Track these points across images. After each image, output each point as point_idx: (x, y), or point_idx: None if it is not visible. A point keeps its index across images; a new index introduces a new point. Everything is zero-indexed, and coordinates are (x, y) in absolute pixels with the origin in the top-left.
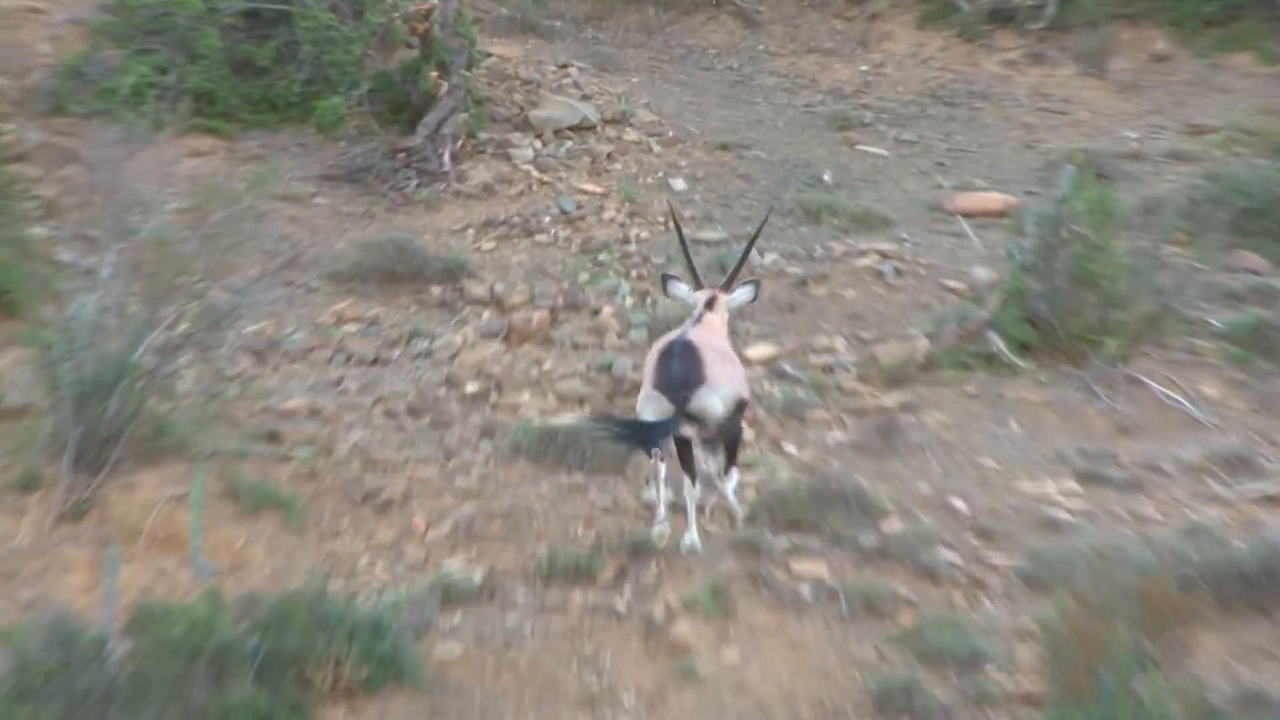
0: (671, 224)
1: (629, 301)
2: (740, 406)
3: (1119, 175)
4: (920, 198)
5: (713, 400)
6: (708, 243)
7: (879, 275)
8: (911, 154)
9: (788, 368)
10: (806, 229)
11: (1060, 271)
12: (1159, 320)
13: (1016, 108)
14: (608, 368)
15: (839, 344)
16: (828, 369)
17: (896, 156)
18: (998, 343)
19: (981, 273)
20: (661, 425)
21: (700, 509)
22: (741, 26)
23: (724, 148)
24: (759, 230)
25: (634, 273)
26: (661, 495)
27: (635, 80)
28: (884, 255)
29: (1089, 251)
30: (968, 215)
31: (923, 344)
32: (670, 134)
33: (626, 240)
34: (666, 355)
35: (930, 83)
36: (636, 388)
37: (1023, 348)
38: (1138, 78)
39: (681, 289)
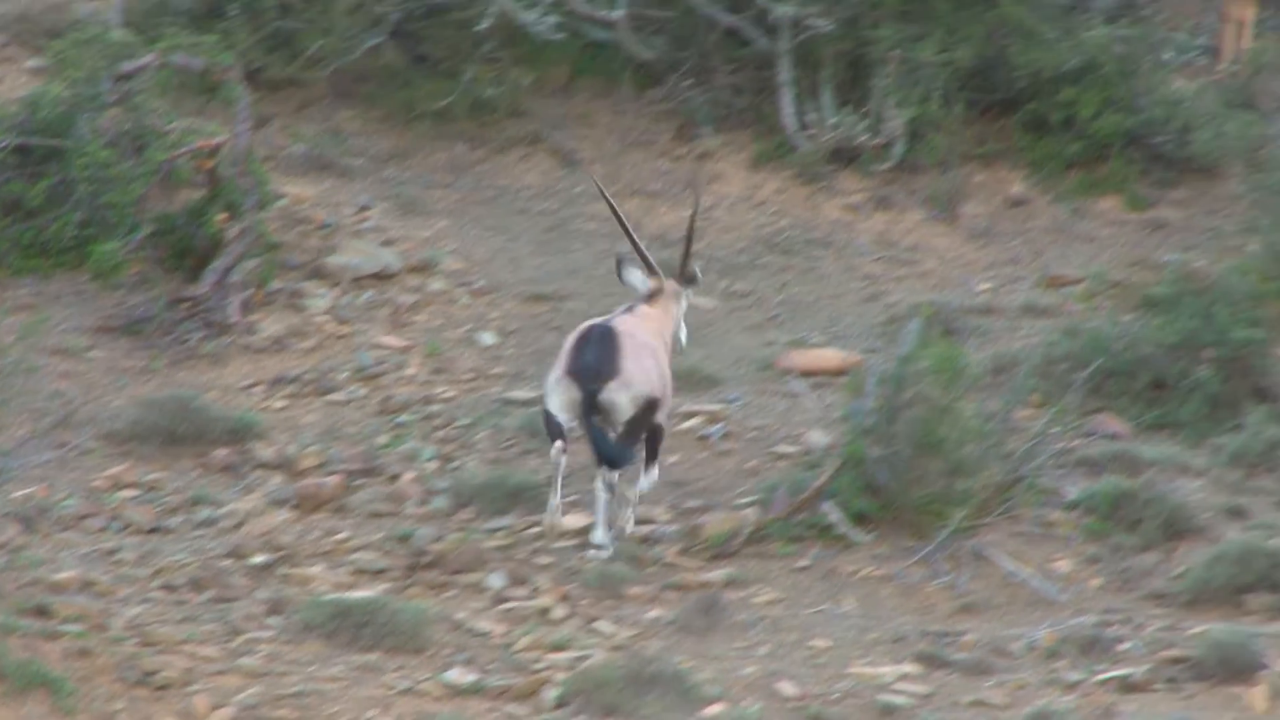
0: (613, 215)
1: (431, 466)
2: (651, 406)
3: (969, 331)
4: (752, 354)
5: (622, 396)
6: (519, 402)
7: (705, 439)
8: (743, 306)
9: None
10: None
11: (903, 436)
12: (1009, 489)
13: (859, 256)
14: (407, 538)
15: (660, 513)
16: (648, 540)
17: (727, 309)
18: (833, 513)
19: (817, 436)
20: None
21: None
22: (559, 166)
23: (538, 298)
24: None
25: (437, 435)
26: (557, 485)
27: (442, 224)
28: (711, 417)
29: (934, 414)
30: (803, 374)
31: (751, 514)
32: (480, 283)
33: (429, 400)
34: (583, 340)
35: (765, 229)
36: (440, 559)
37: (861, 518)
38: (992, 224)
39: (636, 275)
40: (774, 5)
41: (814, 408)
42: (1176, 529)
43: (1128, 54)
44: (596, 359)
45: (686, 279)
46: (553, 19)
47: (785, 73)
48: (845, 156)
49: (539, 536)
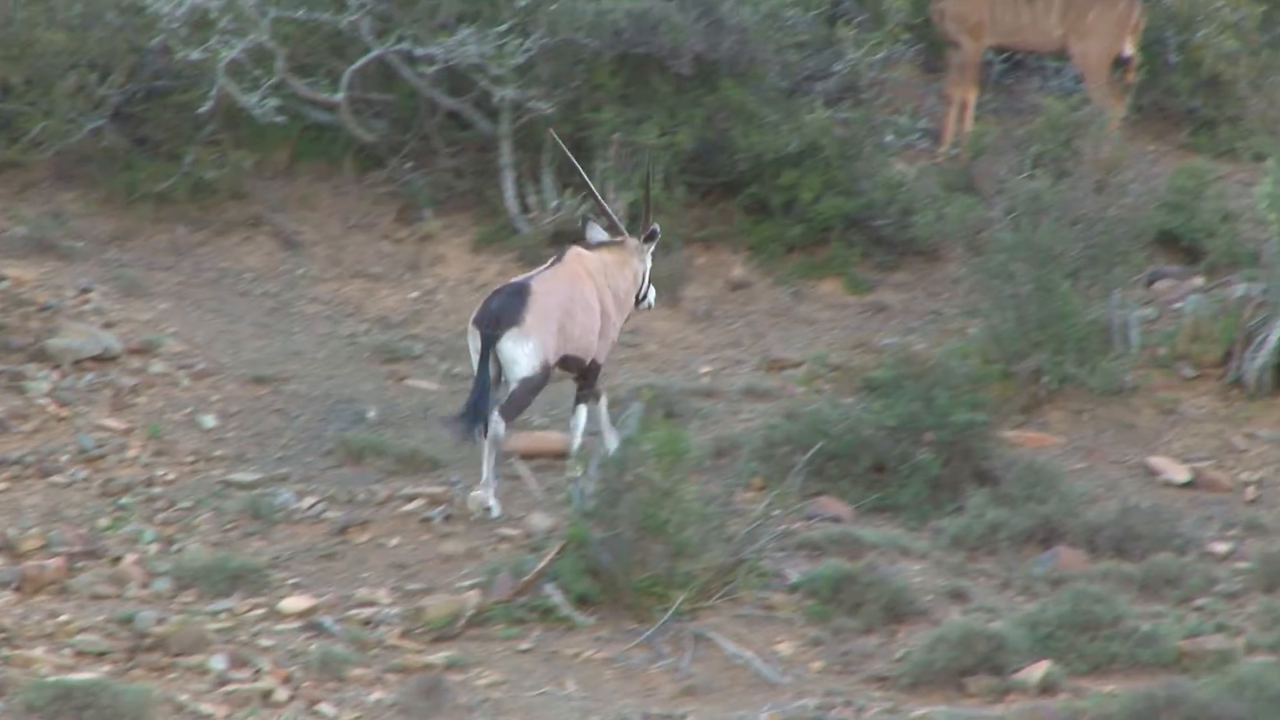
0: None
1: (153, 549)
2: (546, 369)
3: (690, 414)
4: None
5: (520, 348)
6: (241, 485)
7: (427, 521)
8: (464, 389)
9: (326, 622)
10: (348, 470)
11: (625, 519)
12: (731, 572)
13: None
14: (129, 620)
15: (382, 596)
16: (370, 623)
17: (448, 391)
18: (556, 595)
19: (540, 519)
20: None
21: None
22: (281, 248)
23: (260, 381)
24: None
25: (159, 517)
26: (486, 459)
27: (164, 306)
28: (433, 499)
29: (656, 497)
30: (526, 456)
31: (474, 596)
32: (201, 365)
33: (151, 482)
34: (495, 293)
35: None
36: (162, 642)
37: (583, 601)
38: (714, 307)
39: (599, 233)
40: (495, 89)
41: (536, 490)
42: (898, 612)
43: (848, 137)
44: (500, 307)
45: (648, 236)
46: (274, 102)
47: (507, 156)
48: (566, 239)
49: (261, 619)
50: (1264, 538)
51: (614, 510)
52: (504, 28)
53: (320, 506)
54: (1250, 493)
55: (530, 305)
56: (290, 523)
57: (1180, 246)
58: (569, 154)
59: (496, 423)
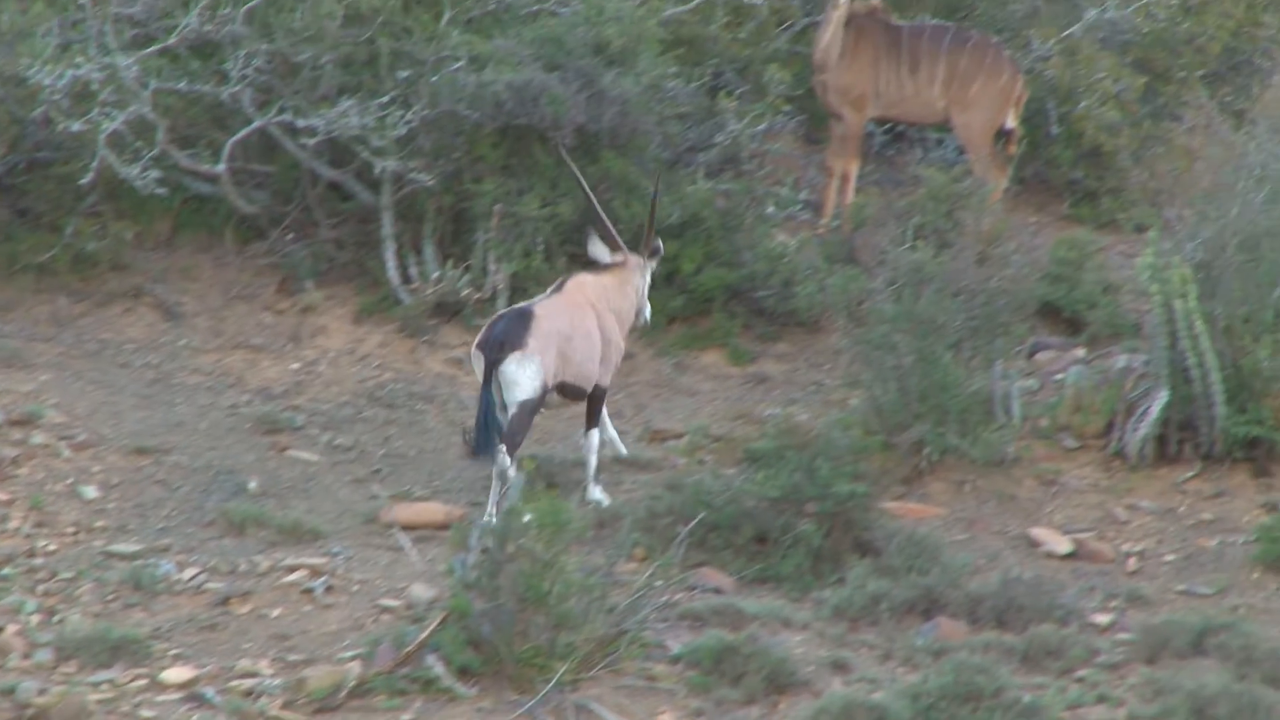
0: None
1: (35, 619)
2: (544, 393)
3: (573, 485)
4: (355, 508)
5: (523, 370)
6: (122, 555)
7: (309, 592)
8: (346, 460)
9: (208, 693)
10: (230, 541)
11: (506, 590)
12: (613, 643)
13: (461, 410)
14: (11, 691)
15: (264, 667)
16: (251, 694)
17: (330, 463)
18: (437, 666)
19: (421, 590)
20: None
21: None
22: (162, 319)
23: (141, 452)
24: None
25: (40, 589)
26: (495, 486)
27: (45, 377)
28: (314, 570)
29: (538, 568)
30: (407, 527)
31: (356, 667)
32: (82, 437)
33: (32, 553)
34: (499, 318)
35: (368, 382)
36: (43, 713)
37: (465, 672)
38: None
39: (600, 248)
40: (377, 160)
41: (418, 561)
42: (780, 683)
43: (730, 208)
44: (505, 331)
45: (651, 252)
46: (155, 173)
47: (388, 227)
48: (448, 310)
49: (143, 690)
50: (1146, 609)
51: (496, 581)
52: (385, 99)
53: (202, 577)
54: (1132, 564)
55: (533, 328)
56: (172, 593)
57: (1062, 318)
58: (576, 172)
59: (502, 457)
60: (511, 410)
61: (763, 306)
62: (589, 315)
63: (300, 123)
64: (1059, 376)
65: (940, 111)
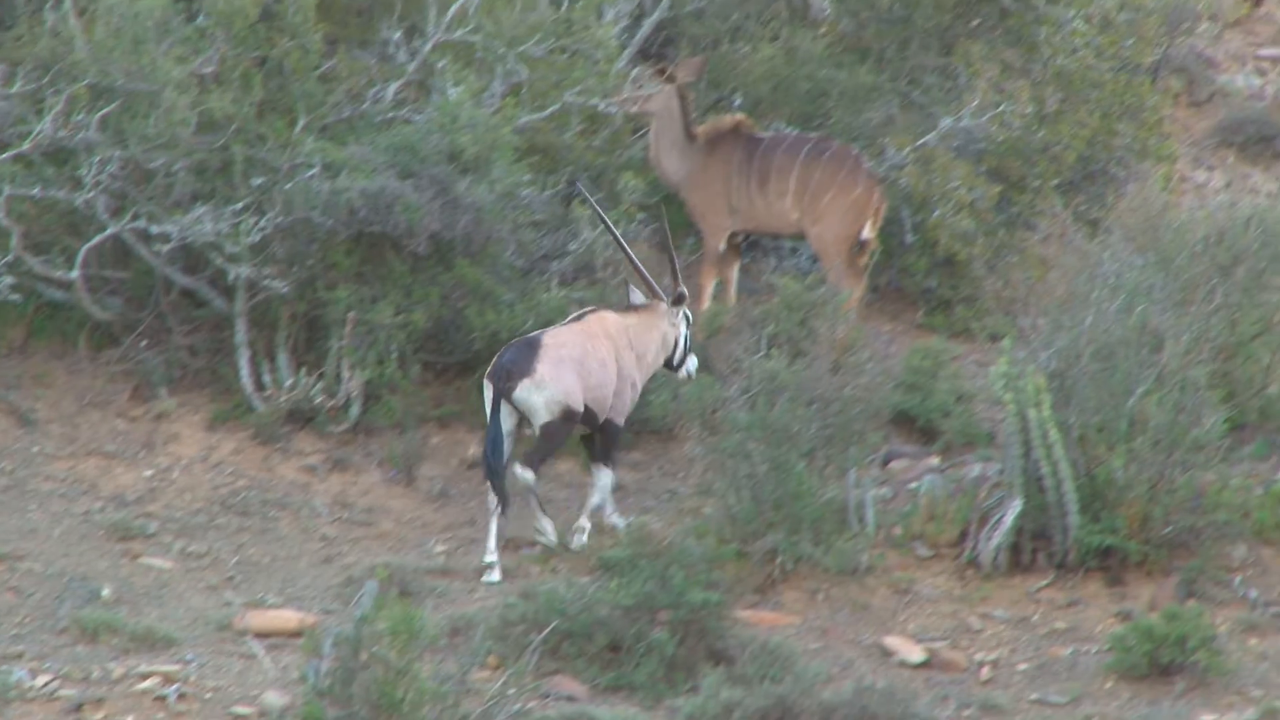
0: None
1: None
2: (568, 416)
3: (426, 592)
4: (208, 615)
5: (535, 397)
6: None
7: (162, 700)
8: (200, 567)
9: None
10: (83, 648)
11: (359, 697)
12: None
13: (316, 517)
14: None
15: None
16: None
17: (184, 570)
18: None
19: (274, 698)
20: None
21: None
22: (15, 425)
23: None
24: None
25: None
26: (493, 528)
27: None
28: (168, 678)
29: (391, 676)
30: (260, 635)
31: None
32: None
33: None
34: (506, 347)
35: (222, 489)
36: None
37: None
38: (449, 485)
39: (637, 295)
40: (230, 266)
41: (271, 669)
42: None
43: None
44: (512, 359)
45: (675, 299)
46: (9, 280)
47: (242, 334)
48: (302, 417)
49: None
50: (999, 717)
51: (348, 689)
52: (239, 206)
53: (55, 684)
54: (985, 673)
55: (542, 355)
56: (24, 700)
57: (917, 426)
58: (603, 218)
59: (524, 472)
60: (537, 433)
61: None
62: (603, 345)
63: (154, 229)
64: (913, 485)
65: (794, 223)
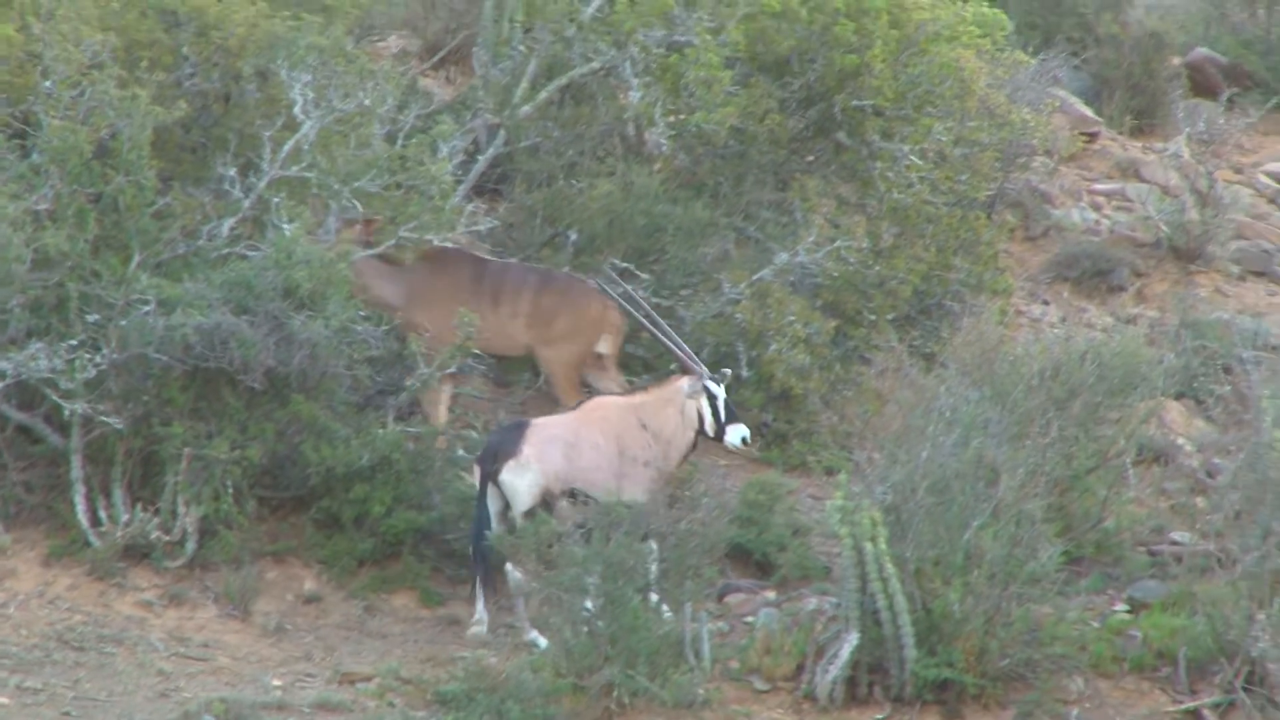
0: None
1: None
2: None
3: None
4: None
5: (519, 480)
6: None
7: None
8: (36, 703)
9: None
10: None
11: None
12: None
13: (151, 653)
14: None
15: None
16: None
17: (19, 705)
18: None
19: None
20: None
21: None
22: None
23: None
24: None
25: None
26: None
27: None
28: None
29: None
30: None
31: None
32: None
33: None
34: (495, 430)
35: (58, 625)
36: None
37: None
38: (284, 620)
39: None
40: (66, 403)
41: None
42: None
43: (420, 451)
44: (498, 441)
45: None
46: None
47: (77, 470)
48: (139, 553)
49: None
50: None
51: None
52: (74, 342)
53: None
54: None
55: (528, 437)
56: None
57: (752, 560)
58: (634, 296)
59: (511, 571)
60: (519, 520)
61: (453, 549)
62: (597, 428)
63: None
64: (749, 619)
65: (524, 345)
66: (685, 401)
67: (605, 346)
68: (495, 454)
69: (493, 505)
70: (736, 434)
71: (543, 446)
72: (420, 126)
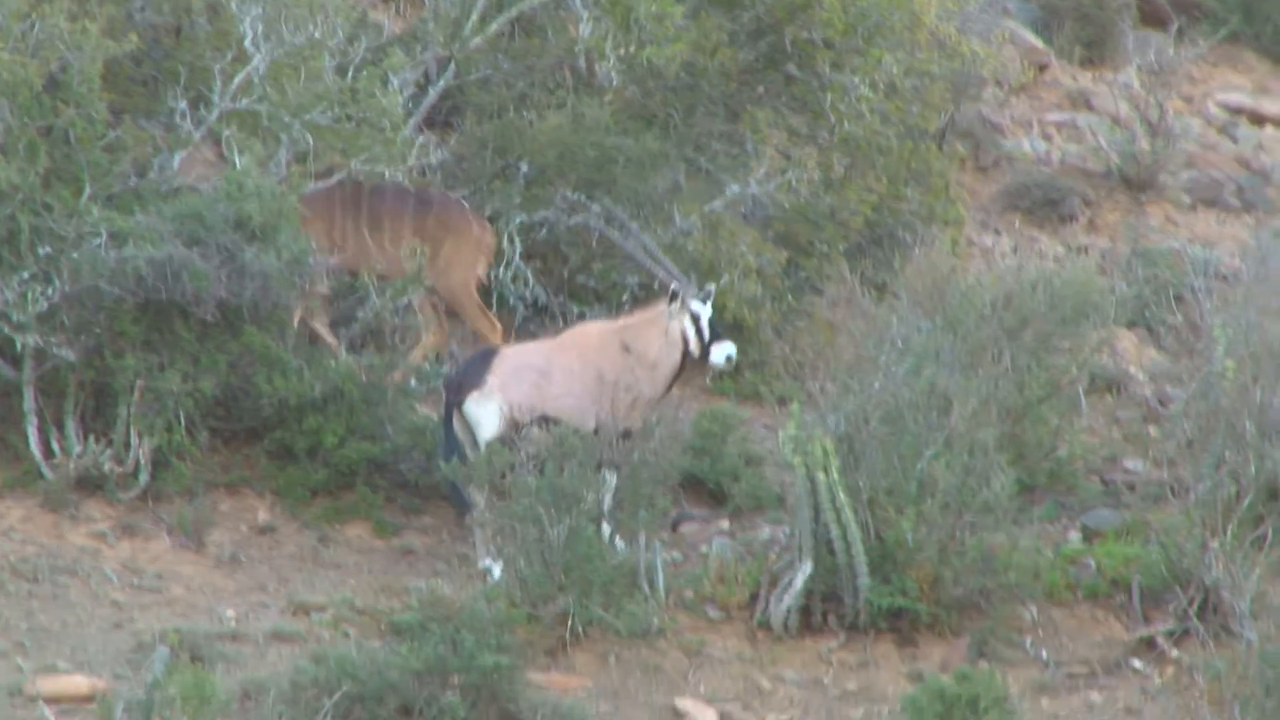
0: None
1: None
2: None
3: (217, 657)
4: None
5: (481, 410)
6: None
7: None
8: None
9: None
10: None
11: None
12: None
13: (105, 583)
14: None
15: None
16: None
17: None
18: None
19: None
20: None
21: None
22: None
23: None
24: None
25: None
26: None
27: None
28: None
29: None
30: (51, 700)
31: None
32: None
33: None
34: (464, 359)
35: (11, 555)
36: None
37: None
38: (239, 550)
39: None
40: (17, 335)
41: None
42: None
43: (372, 382)
44: (463, 371)
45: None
46: None
47: (29, 402)
48: (92, 484)
49: None
50: None
51: None
52: (26, 275)
53: None
54: None
55: (493, 366)
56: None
57: (706, 490)
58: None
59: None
60: (483, 449)
61: (406, 479)
62: (574, 354)
63: None
64: (703, 548)
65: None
66: (669, 323)
67: (480, 269)
68: (460, 384)
69: (464, 435)
70: (721, 352)
71: (508, 375)
72: (371, 59)
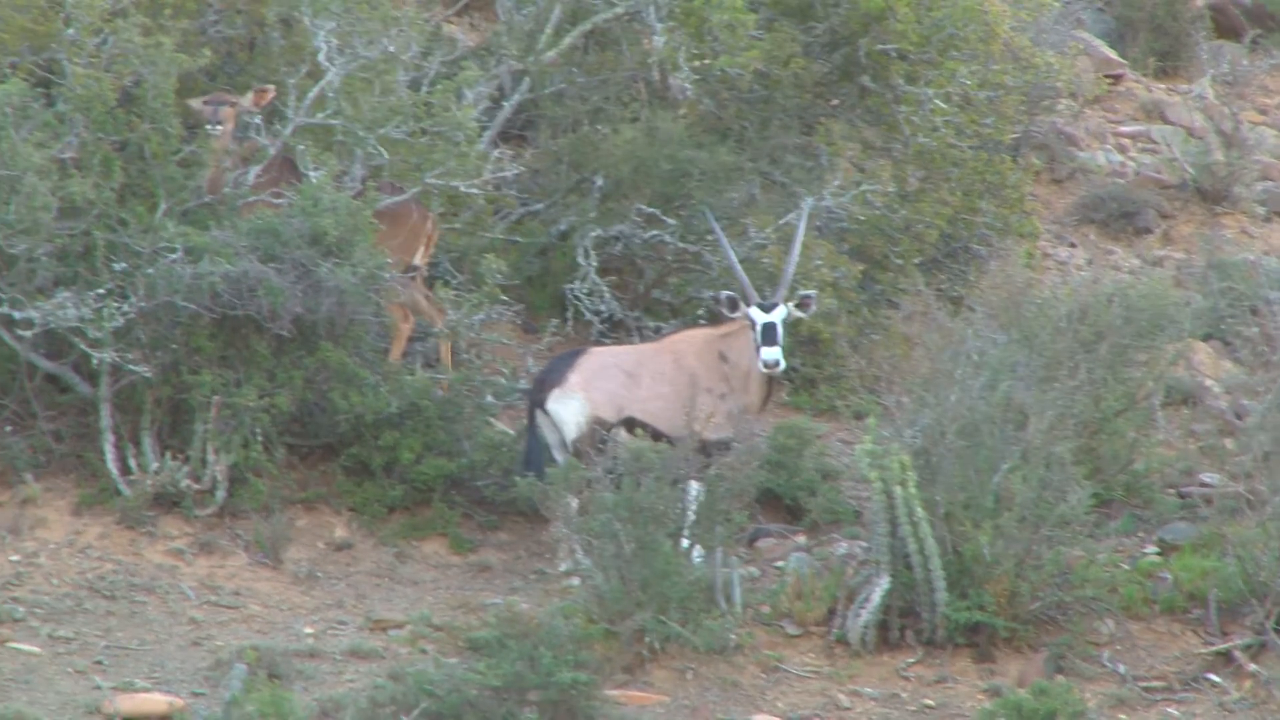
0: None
1: None
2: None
3: (294, 675)
4: (77, 699)
5: (564, 406)
6: None
7: None
8: (68, 651)
9: None
10: None
11: None
12: None
13: (183, 601)
14: None
15: None
16: None
17: (51, 654)
18: None
19: None
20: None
21: None
22: None
23: None
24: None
25: None
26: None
27: None
28: None
29: None
30: (129, 718)
31: None
32: None
33: None
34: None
35: (88, 573)
36: None
37: None
38: (315, 568)
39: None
40: (94, 351)
41: None
42: None
43: (449, 398)
44: (546, 370)
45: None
46: None
47: (106, 418)
48: (168, 501)
49: None
50: None
51: None
52: (102, 290)
53: None
54: None
55: (578, 366)
56: None
57: (783, 505)
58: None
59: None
60: (570, 449)
61: (483, 495)
62: (669, 358)
63: (17, 314)
64: (780, 564)
65: None
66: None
67: (419, 258)
68: (543, 382)
69: (550, 436)
70: (764, 355)
71: (592, 374)
72: (445, 73)
